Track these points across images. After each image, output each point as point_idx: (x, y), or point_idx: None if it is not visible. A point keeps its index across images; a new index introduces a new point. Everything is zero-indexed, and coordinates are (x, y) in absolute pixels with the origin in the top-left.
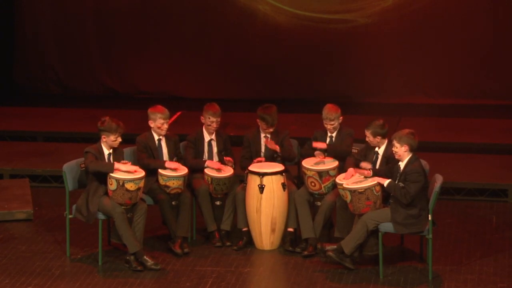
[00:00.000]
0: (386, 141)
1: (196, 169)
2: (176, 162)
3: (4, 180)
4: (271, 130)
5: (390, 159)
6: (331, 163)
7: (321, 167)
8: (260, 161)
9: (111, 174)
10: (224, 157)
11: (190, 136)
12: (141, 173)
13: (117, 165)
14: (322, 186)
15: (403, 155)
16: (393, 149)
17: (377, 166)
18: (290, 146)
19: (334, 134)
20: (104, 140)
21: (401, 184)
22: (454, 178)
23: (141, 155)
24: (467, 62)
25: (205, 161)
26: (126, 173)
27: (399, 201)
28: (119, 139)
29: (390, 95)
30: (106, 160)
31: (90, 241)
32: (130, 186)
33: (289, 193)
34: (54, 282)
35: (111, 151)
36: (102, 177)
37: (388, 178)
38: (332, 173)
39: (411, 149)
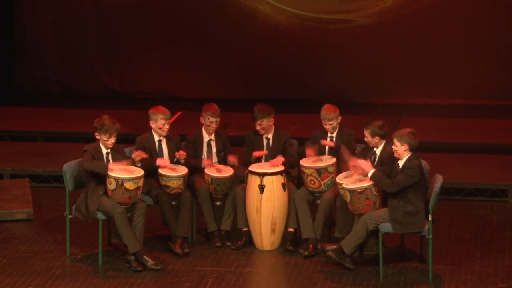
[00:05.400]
0: (384, 142)
1: (194, 170)
2: (172, 164)
3: (4, 180)
4: (257, 127)
5: (385, 159)
6: (329, 160)
7: (319, 164)
8: (260, 156)
9: (109, 174)
10: (229, 156)
11: (189, 136)
12: (140, 172)
13: (111, 165)
14: (322, 183)
15: (403, 154)
16: (393, 147)
17: (375, 166)
18: (293, 151)
19: (334, 135)
20: (97, 138)
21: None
22: (454, 178)
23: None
24: (467, 62)
25: (202, 161)
26: (124, 172)
27: (395, 199)
28: (112, 140)
29: (390, 95)
30: (104, 159)
31: (90, 241)
32: (129, 185)
33: (289, 193)
34: (54, 282)
35: (109, 150)
36: (100, 176)
37: (385, 176)
38: (330, 169)
39: (411, 149)
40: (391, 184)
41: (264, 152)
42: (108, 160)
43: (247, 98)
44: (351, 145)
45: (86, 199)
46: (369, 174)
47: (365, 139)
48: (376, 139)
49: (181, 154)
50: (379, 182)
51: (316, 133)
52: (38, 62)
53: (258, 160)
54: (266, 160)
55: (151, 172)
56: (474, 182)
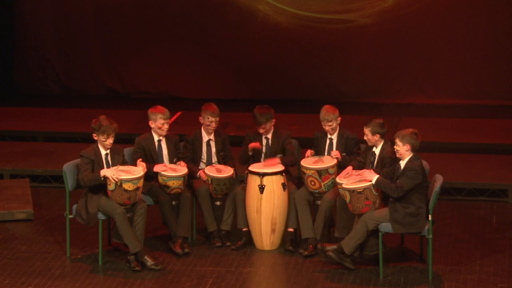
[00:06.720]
0: (383, 142)
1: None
2: (171, 164)
3: (4, 180)
4: (261, 131)
5: (385, 159)
6: (329, 161)
7: (320, 166)
8: (256, 146)
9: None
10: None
11: (188, 136)
12: (139, 173)
13: (103, 172)
14: (322, 184)
15: (405, 154)
16: (395, 147)
17: (374, 166)
18: (292, 149)
19: (334, 137)
20: (95, 138)
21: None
22: (454, 178)
23: (135, 159)
24: (467, 62)
25: (198, 170)
26: (123, 173)
27: (397, 200)
28: (110, 140)
29: (390, 95)
30: (103, 161)
31: (90, 241)
32: (128, 186)
33: (289, 193)
34: (54, 282)
35: (108, 151)
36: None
37: (389, 180)
38: (331, 171)
39: (413, 149)
40: (395, 189)
41: (258, 144)
42: (107, 162)
43: (247, 98)
44: (355, 150)
45: (86, 203)
46: (373, 181)
47: (365, 137)
48: (377, 137)
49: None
50: (384, 188)
51: (318, 133)
52: (38, 62)
53: (257, 155)
54: (265, 159)
55: (148, 176)
56: (474, 182)
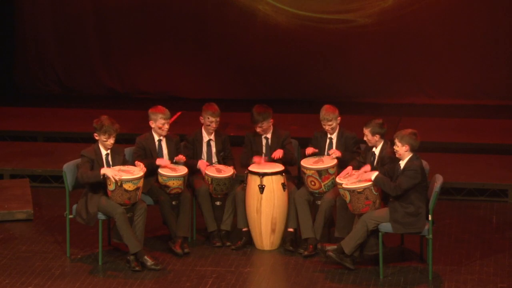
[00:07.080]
0: (382, 142)
1: (192, 171)
2: (172, 164)
3: (4, 180)
4: (258, 129)
5: (385, 159)
6: (330, 161)
7: (320, 166)
8: (259, 162)
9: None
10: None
11: (188, 136)
12: (139, 173)
13: (103, 170)
14: (322, 184)
15: (404, 154)
16: (394, 147)
17: (374, 166)
18: (292, 149)
19: (334, 136)
20: (97, 138)
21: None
22: (454, 178)
23: (136, 159)
24: (467, 62)
25: (197, 161)
26: (123, 173)
27: (397, 200)
28: (111, 141)
29: (390, 95)
30: (104, 161)
31: (90, 241)
32: (128, 186)
33: (289, 193)
34: (54, 282)
35: (108, 151)
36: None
37: (389, 179)
38: (331, 171)
39: (412, 149)
40: (394, 188)
41: (262, 159)
42: (108, 161)
43: (247, 98)
44: (354, 150)
45: (86, 203)
46: (372, 178)
47: (365, 138)
48: (376, 137)
49: (180, 158)
50: (382, 186)
51: (317, 133)
52: (38, 62)
53: (258, 155)
54: (267, 161)
55: (151, 172)
56: (474, 182)
